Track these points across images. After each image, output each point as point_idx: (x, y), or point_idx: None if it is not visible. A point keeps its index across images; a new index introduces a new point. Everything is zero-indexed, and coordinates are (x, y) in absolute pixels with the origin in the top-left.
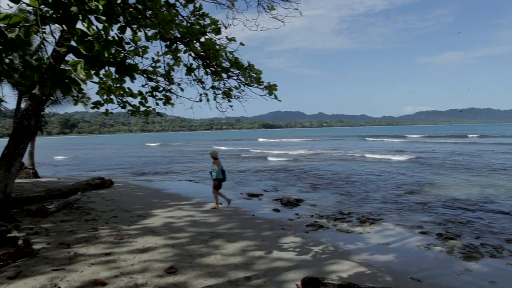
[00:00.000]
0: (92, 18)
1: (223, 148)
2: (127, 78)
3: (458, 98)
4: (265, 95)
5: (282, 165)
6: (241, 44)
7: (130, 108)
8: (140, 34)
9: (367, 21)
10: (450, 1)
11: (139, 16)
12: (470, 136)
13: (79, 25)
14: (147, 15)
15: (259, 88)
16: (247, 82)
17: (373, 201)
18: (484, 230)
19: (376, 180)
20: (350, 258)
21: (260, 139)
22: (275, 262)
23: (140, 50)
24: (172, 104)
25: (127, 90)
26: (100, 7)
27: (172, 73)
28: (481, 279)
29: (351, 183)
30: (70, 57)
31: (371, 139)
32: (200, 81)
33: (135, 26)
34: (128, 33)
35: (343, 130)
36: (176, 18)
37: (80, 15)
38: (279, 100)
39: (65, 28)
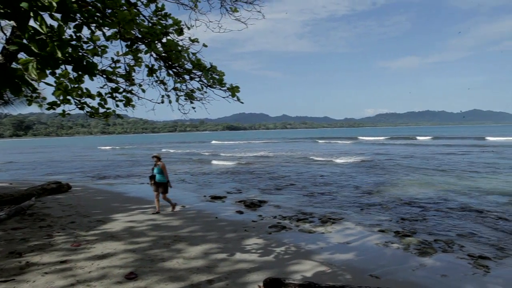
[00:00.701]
0: (46, 15)
1: (172, 151)
2: (86, 78)
3: (415, 101)
4: (227, 96)
5: (233, 167)
6: (204, 45)
7: (88, 109)
8: (99, 33)
9: (329, 25)
10: (407, 9)
11: (98, 15)
12: (421, 138)
13: (32, 22)
14: (107, 13)
15: (222, 89)
16: (209, 84)
17: (334, 202)
18: (437, 226)
19: (337, 181)
20: (312, 257)
21: (214, 142)
22: (238, 264)
23: (99, 49)
24: (133, 106)
25: (85, 90)
26: (54, 4)
27: (133, 74)
28: (434, 273)
29: (314, 184)
30: (23, 56)
31: (334, 141)
32: (162, 82)
33: (94, 25)
34: (87, 31)
35: (306, 132)
36: (137, 18)
37: (31, 12)
38: (242, 102)
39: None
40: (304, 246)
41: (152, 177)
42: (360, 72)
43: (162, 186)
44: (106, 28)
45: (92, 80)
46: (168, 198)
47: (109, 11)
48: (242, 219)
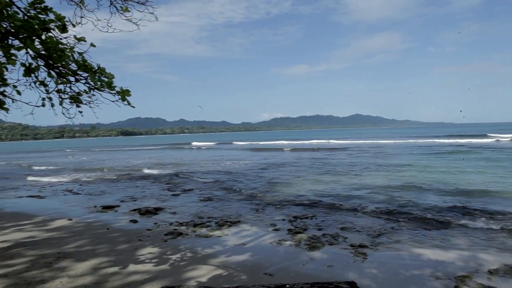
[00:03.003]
0: None
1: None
2: None
3: (306, 106)
4: (117, 100)
5: (126, 174)
6: (92, 45)
7: None
8: None
9: (226, 31)
10: (299, 20)
11: None
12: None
13: None
14: None
15: (111, 93)
16: (97, 87)
17: (231, 204)
18: (325, 222)
19: (233, 185)
20: (209, 262)
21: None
22: (131, 276)
23: None
24: (7, 109)
25: None
26: None
27: (6, 73)
28: (321, 264)
29: (211, 189)
30: None
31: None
32: (42, 83)
33: None
34: None
35: (204, 136)
36: (8, 9)
37: None
38: (133, 107)
39: None
40: (200, 251)
41: None
42: (256, 77)
43: None
44: None
45: None
46: None
47: None
48: (136, 228)
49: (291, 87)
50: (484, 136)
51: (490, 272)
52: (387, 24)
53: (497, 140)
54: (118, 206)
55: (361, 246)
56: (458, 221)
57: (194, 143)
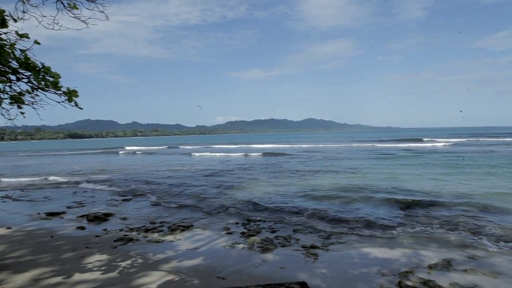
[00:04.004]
0: None
1: None
2: None
3: (261, 110)
4: (63, 101)
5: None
6: (36, 42)
7: None
8: None
9: (181, 33)
10: (253, 25)
11: None
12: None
13: None
14: None
15: (57, 93)
16: (40, 86)
17: (184, 209)
18: (278, 224)
19: (186, 189)
20: (160, 268)
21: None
22: (76, 286)
23: None
24: None
25: None
26: None
27: None
28: (274, 266)
29: (165, 193)
30: None
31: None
32: None
33: None
34: None
35: (158, 139)
36: None
37: None
38: (80, 108)
39: None
40: (152, 257)
41: None
42: (211, 81)
43: None
44: None
45: None
46: None
47: None
48: (84, 235)
49: (246, 91)
50: (420, 140)
51: (430, 266)
52: (340, 32)
53: (433, 144)
54: (64, 212)
55: (312, 247)
56: (401, 220)
57: (128, 148)
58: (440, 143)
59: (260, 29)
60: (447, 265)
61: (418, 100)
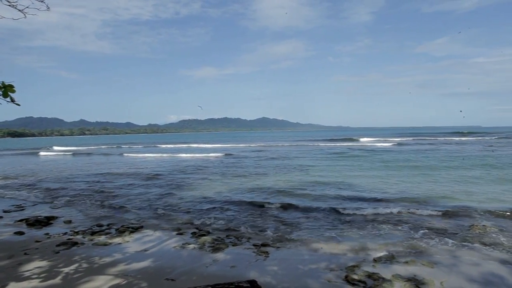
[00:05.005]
0: None
1: None
2: None
3: (215, 108)
4: None
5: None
6: None
7: None
8: None
9: (132, 28)
10: (207, 23)
11: None
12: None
13: None
14: None
15: None
16: None
17: (133, 210)
18: (230, 223)
19: (134, 189)
20: (106, 272)
21: None
22: None
23: None
24: None
25: None
26: None
27: None
28: (225, 265)
29: (110, 194)
30: None
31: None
32: None
33: None
34: None
35: (108, 138)
36: None
37: None
38: (18, 104)
39: None
40: (98, 261)
41: None
42: (163, 78)
43: None
44: None
45: None
46: None
47: None
48: (22, 241)
49: (199, 90)
50: (352, 139)
51: (375, 260)
52: (292, 33)
53: (362, 143)
54: (0, 217)
55: (263, 245)
56: (349, 216)
57: (56, 148)
58: (369, 142)
59: (214, 27)
60: (390, 258)
61: (366, 101)
